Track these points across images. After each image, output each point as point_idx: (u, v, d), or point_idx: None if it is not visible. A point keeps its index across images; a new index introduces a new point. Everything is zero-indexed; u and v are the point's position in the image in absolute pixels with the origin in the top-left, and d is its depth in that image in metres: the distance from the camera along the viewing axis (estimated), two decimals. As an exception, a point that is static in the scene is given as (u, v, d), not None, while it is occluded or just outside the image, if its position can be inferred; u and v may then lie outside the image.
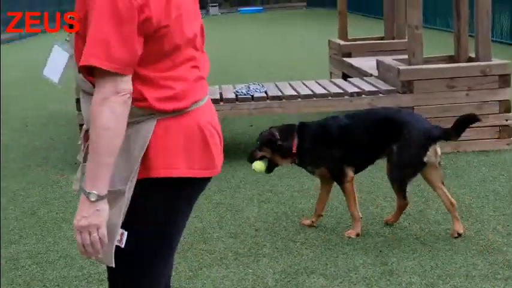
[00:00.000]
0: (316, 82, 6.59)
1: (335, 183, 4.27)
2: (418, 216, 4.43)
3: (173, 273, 3.68)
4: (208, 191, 5.03)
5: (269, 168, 4.25)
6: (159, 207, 2.07)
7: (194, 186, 2.11)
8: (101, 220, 1.94)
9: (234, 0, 41.16)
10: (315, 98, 5.97)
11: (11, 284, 3.71)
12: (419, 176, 4.15)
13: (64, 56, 2.22)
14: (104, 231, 1.95)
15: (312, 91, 6.09)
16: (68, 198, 5.14)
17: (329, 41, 9.19)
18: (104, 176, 1.92)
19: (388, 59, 6.61)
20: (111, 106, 1.89)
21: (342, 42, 8.54)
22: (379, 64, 6.62)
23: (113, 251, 2.01)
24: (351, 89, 6.14)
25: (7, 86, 11.81)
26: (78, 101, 5.65)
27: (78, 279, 3.75)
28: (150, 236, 2.08)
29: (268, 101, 5.87)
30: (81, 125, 5.72)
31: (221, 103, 5.88)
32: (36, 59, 17.51)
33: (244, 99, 5.92)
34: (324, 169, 4.22)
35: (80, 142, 2.20)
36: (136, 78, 1.98)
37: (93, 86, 1.96)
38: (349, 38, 8.90)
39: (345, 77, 7.57)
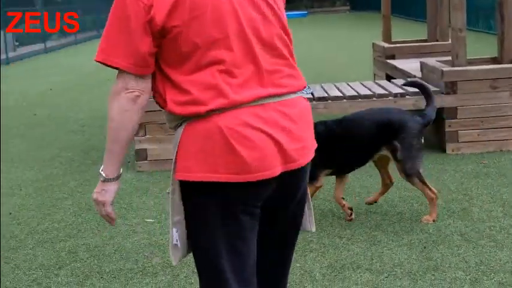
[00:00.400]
0: (361, 83, 6.70)
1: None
2: (462, 213, 4.51)
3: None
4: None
5: None
6: (188, 208, 2.11)
7: (224, 189, 2.03)
8: (105, 199, 2.16)
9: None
10: (359, 99, 6.08)
11: (71, 276, 3.89)
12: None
13: None
14: (108, 209, 2.18)
15: (357, 92, 6.20)
16: (123, 194, 5.34)
17: (373, 43, 9.28)
18: (109, 160, 2.13)
19: (431, 61, 6.68)
20: (119, 101, 2.05)
21: (386, 45, 8.63)
22: (422, 66, 6.70)
23: (171, 249, 2.14)
24: (395, 90, 6.23)
25: (63, 90, 12.19)
26: (131, 102, 5.93)
27: (133, 271, 3.90)
28: (190, 232, 2.13)
29: (314, 102, 6.00)
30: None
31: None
32: (90, 63, 17.99)
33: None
34: None
35: None
36: (163, 80, 2.08)
37: None
38: (393, 40, 8.98)
39: (389, 78, 7.66)
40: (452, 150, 6.02)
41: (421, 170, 4.39)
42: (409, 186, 5.10)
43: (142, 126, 5.96)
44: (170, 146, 6.06)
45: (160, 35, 2.02)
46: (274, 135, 2.04)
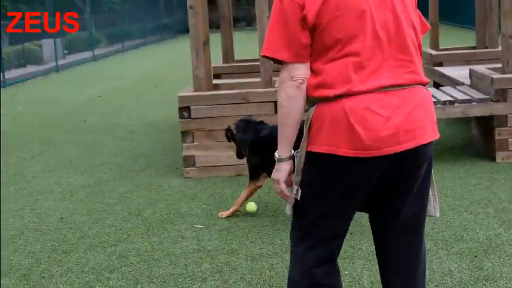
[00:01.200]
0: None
1: None
2: (513, 223, 4.45)
3: (272, 273, 3.87)
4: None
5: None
6: (310, 174, 2.43)
7: (342, 162, 2.35)
8: (278, 176, 2.48)
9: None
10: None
11: (122, 279, 3.95)
12: None
13: None
14: (282, 186, 2.49)
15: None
16: (171, 200, 5.42)
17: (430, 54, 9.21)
18: (281, 142, 2.45)
19: (481, 68, 6.61)
20: (285, 89, 2.37)
21: (434, 52, 8.56)
22: (472, 73, 6.63)
23: (291, 202, 2.50)
24: (444, 97, 6.17)
25: (111, 97, 12.39)
26: (180, 109, 6.01)
27: (182, 276, 3.95)
28: (304, 193, 2.46)
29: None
30: (183, 132, 6.02)
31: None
32: (137, 70, 18.28)
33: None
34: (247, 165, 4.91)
35: None
36: (310, 70, 2.40)
37: None
38: (440, 47, 8.90)
39: (437, 86, 7.59)
40: (502, 159, 5.94)
41: None
42: (458, 195, 5.06)
43: (190, 133, 6.03)
44: (217, 153, 6.14)
45: (311, 30, 2.35)
46: (391, 117, 2.32)
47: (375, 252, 4.03)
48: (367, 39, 2.33)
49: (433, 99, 6.08)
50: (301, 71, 2.37)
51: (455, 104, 6.01)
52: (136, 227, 4.84)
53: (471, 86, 6.53)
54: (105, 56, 23.29)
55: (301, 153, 2.45)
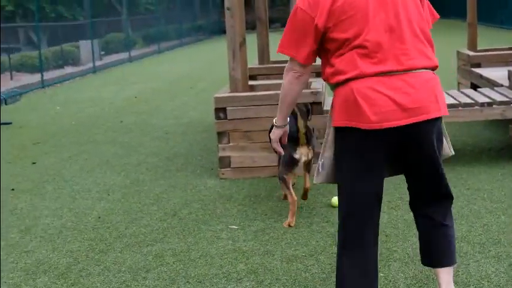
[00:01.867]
0: (446, 92, 6.59)
1: None
2: (552, 227, 4.39)
3: (307, 274, 3.87)
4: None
5: None
6: (337, 145, 3.00)
7: (359, 134, 2.85)
8: (273, 136, 3.29)
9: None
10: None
11: (158, 279, 3.99)
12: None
13: None
14: (274, 144, 3.31)
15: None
16: (206, 201, 5.45)
17: (457, 51, 9.12)
18: (279, 114, 3.21)
19: (520, 69, 6.52)
20: (287, 76, 3.06)
21: (471, 53, 8.47)
22: (510, 74, 6.54)
23: (315, 173, 3.14)
24: (482, 99, 6.10)
25: (147, 98, 12.51)
26: (216, 110, 6.05)
27: (218, 277, 3.97)
28: (338, 160, 3.02)
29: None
30: (219, 133, 6.06)
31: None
32: (173, 71, 18.45)
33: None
34: None
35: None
36: (326, 64, 2.97)
37: None
38: (478, 48, 8.80)
39: (474, 87, 7.51)
40: (541, 162, 5.85)
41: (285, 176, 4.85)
42: (496, 198, 5.00)
43: (226, 134, 6.06)
44: (253, 154, 6.19)
45: (323, 33, 2.90)
46: (393, 96, 2.80)
47: (410, 254, 4.04)
48: (370, 35, 2.83)
49: (471, 101, 6.04)
50: (301, 68, 3.01)
51: (493, 106, 5.94)
52: (172, 227, 4.88)
53: (510, 87, 6.44)
54: (141, 57, 23.50)
55: (328, 131, 3.03)
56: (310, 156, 4.93)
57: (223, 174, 6.12)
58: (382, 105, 2.79)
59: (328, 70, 2.93)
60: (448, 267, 3.15)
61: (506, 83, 6.59)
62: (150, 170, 6.64)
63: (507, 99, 5.99)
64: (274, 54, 9.39)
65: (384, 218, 4.76)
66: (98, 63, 20.03)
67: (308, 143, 4.87)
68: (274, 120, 3.25)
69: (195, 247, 4.47)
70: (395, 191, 5.34)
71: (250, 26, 12.78)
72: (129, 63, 21.71)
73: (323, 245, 4.33)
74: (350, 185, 2.96)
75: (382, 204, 5.02)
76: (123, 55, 22.83)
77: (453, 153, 3.25)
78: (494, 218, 4.59)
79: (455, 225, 4.42)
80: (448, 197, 3.13)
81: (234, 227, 4.81)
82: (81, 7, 23.77)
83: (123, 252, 4.46)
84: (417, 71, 2.85)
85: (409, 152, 2.94)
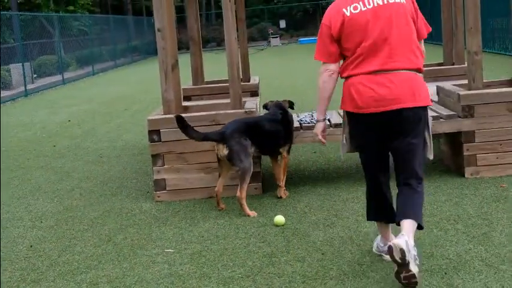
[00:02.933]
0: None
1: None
2: (482, 238, 4.48)
3: None
4: (275, 215, 5.19)
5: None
6: (348, 123, 4.07)
7: (356, 116, 3.95)
8: (316, 130, 4.23)
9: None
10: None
11: (93, 307, 3.92)
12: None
13: None
14: (319, 136, 4.23)
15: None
16: (142, 225, 5.37)
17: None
18: (318, 110, 4.19)
19: (448, 85, 6.68)
20: (322, 77, 4.04)
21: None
22: (439, 90, 6.70)
23: (341, 146, 4.21)
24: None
25: (81, 120, 12.30)
26: (150, 132, 5.98)
27: (154, 302, 3.93)
28: (350, 138, 4.12)
29: (331, 128, 6.02)
30: (153, 155, 5.98)
31: (285, 132, 6.06)
32: (108, 93, 18.09)
33: (308, 127, 6.09)
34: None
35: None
36: (342, 64, 4.01)
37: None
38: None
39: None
40: (471, 174, 6.00)
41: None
42: (428, 212, 5.09)
43: (160, 156, 6.00)
44: (188, 176, 6.13)
45: (338, 42, 3.96)
46: (376, 89, 3.82)
47: (346, 271, 4.06)
48: (367, 43, 3.84)
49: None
50: (331, 67, 4.01)
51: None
52: (106, 253, 4.78)
53: (438, 102, 6.60)
54: (75, 79, 23.19)
55: (343, 114, 4.09)
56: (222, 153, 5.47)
57: (158, 197, 6.05)
58: (367, 96, 3.83)
59: (340, 68, 4.02)
60: (412, 220, 3.79)
61: (435, 98, 6.73)
62: (83, 196, 6.51)
63: (436, 114, 6.12)
64: (208, 74, 9.40)
65: (319, 236, 4.79)
66: (29, 86, 19.64)
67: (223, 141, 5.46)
68: (314, 117, 4.50)
69: (131, 273, 4.39)
70: (331, 208, 5.38)
71: (186, 46, 12.73)
72: (62, 85, 21.36)
73: (259, 265, 4.31)
74: (360, 155, 4.14)
75: (318, 222, 5.10)
76: (56, 78, 22.48)
77: (431, 157, 4.05)
78: (427, 232, 4.67)
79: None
80: (418, 178, 3.92)
81: (170, 250, 4.75)
82: (11, 29, 23.27)
83: (55, 281, 4.34)
84: (399, 71, 3.82)
85: (390, 133, 3.88)
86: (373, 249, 4.34)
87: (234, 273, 4.22)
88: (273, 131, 5.73)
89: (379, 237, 4.30)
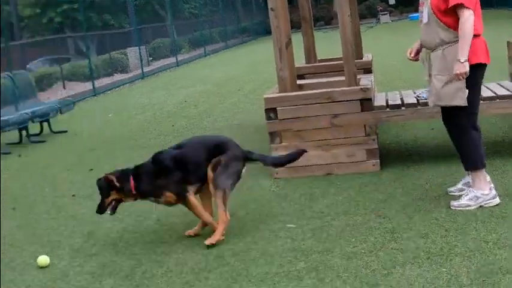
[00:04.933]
0: (498, 84, 6.50)
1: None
2: None
3: (367, 271, 3.88)
4: (394, 192, 5.18)
5: (114, 208, 4.80)
6: (470, 77, 4.62)
7: (482, 67, 4.71)
8: (466, 70, 4.56)
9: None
10: (497, 100, 5.91)
11: (220, 279, 4.05)
12: None
13: None
14: (465, 75, 4.60)
15: (495, 93, 6.03)
16: (262, 201, 5.50)
17: (508, 42, 8.95)
18: (464, 51, 4.52)
19: None
20: (470, 20, 4.53)
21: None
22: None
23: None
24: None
25: (197, 101, 12.63)
26: (267, 110, 6.09)
27: (278, 275, 4.01)
28: (469, 88, 4.67)
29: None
30: (270, 133, 6.09)
31: (402, 108, 6.01)
32: (220, 73, 18.49)
33: (426, 103, 5.99)
34: (168, 194, 4.74)
35: (424, 64, 4.99)
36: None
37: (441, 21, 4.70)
38: (530, 37, 8.63)
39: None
40: None
41: (227, 190, 4.67)
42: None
43: (277, 134, 6.10)
44: (306, 153, 6.12)
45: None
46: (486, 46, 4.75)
47: (471, 248, 4.01)
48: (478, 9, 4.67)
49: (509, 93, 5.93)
50: (474, 14, 4.56)
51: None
52: (230, 228, 4.92)
53: None
54: (188, 61, 23.75)
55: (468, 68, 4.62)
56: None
57: (277, 174, 6.15)
58: (487, 50, 4.74)
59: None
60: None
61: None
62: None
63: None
64: (321, 53, 9.41)
65: (442, 212, 4.73)
66: (146, 69, 20.33)
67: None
68: (460, 58, 4.50)
69: (254, 246, 4.51)
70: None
71: (296, 25, 12.80)
72: (176, 67, 21.94)
73: (381, 241, 4.33)
74: (473, 104, 4.73)
75: (439, 198, 5.04)
76: (170, 60, 23.12)
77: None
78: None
79: (516, 217, 4.39)
80: None
81: (292, 225, 4.85)
82: (126, 15, 24.11)
83: (184, 253, 4.54)
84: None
85: None
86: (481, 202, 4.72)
87: (357, 249, 4.26)
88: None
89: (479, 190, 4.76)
